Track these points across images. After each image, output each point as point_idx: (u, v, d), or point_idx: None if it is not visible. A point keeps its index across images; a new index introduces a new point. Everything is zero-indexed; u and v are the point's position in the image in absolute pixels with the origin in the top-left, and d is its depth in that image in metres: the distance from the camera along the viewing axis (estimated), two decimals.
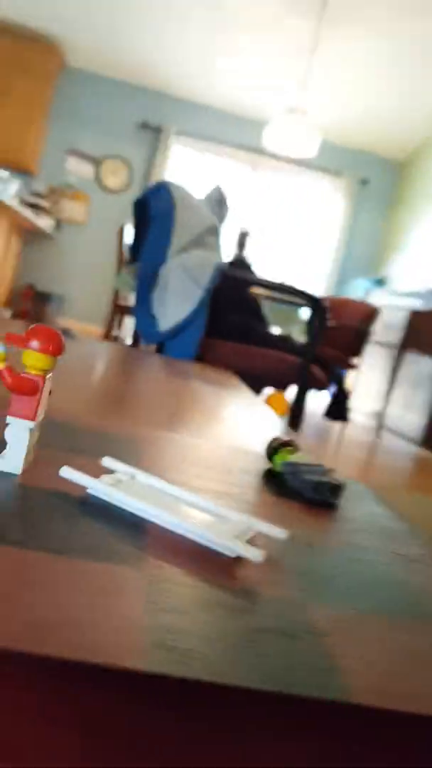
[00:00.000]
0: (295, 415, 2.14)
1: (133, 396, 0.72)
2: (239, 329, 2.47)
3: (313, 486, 0.42)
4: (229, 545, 0.28)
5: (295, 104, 4.92)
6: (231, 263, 2.77)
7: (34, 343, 0.31)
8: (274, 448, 0.48)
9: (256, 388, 3.42)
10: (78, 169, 5.24)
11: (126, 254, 3.36)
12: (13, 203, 3.79)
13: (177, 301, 2.21)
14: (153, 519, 0.30)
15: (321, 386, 2.49)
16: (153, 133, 5.29)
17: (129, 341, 2.72)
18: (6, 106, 4.78)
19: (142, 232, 2.35)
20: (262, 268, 5.54)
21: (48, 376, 0.32)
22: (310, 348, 2.17)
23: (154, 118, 5.29)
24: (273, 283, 2.19)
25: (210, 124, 5.37)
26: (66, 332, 1.31)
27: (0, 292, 4.97)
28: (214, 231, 2.35)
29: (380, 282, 5.12)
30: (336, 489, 0.43)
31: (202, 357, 2.25)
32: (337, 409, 3.48)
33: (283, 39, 4.03)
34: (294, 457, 0.46)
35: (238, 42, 4.20)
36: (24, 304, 5.23)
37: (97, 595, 0.22)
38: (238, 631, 0.22)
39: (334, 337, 3.88)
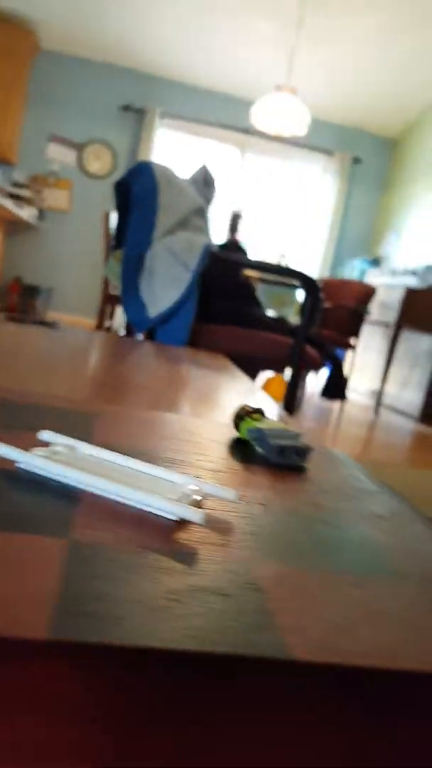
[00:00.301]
0: (291, 396, 2.12)
1: (114, 379, 0.70)
2: (232, 313, 2.45)
3: (278, 450, 0.41)
4: (168, 507, 0.26)
5: (284, 82, 4.84)
6: (223, 246, 2.73)
7: None
8: (240, 416, 0.46)
9: (252, 372, 3.41)
10: (60, 156, 5.18)
11: (112, 241, 3.32)
12: None
13: (165, 286, 2.18)
14: (86, 488, 0.28)
15: (316, 366, 2.47)
16: (136, 116, 5.22)
17: (122, 332, 2.70)
18: None
19: (126, 216, 2.32)
20: (256, 251, 5.49)
21: None
22: (304, 328, 2.15)
23: (137, 100, 5.22)
24: (265, 265, 2.16)
25: (196, 105, 5.29)
26: (51, 324, 1.29)
27: None
28: (201, 212, 2.32)
29: (376, 262, 5.07)
30: (302, 452, 0.42)
31: (195, 343, 2.23)
32: (334, 388, 3.45)
33: (269, 14, 3.95)
34: (260, 424, 0.44)
35: (222, 18, 4.12)
36: (11, 298, 5.18)
37: (4, 566, 0.20)
38: (167, 592, 0.21)
39: (330, 318, 3.86)
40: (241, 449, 0.44)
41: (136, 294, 2.24)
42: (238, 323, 2.41)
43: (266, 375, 3.59)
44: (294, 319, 3.80)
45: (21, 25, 4.67)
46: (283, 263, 5.29)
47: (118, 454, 0.32)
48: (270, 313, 3.75)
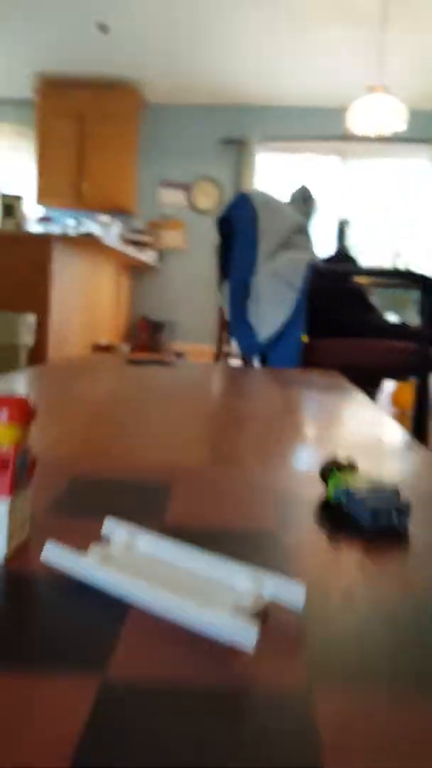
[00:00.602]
0: (419, 410, 1.97)
1: (214, 424, 0.68)
2: (346, 323, 2.36)
3: (371, 513, 0.36)
4: (219, 628, 0.23)
5: (374, 80, 4.67)
6: (332, 257, 2.66)
7: None
8: (328, 472, 0.41)
9: (374, 384, 3.24)
10: (171, 199, 5.42)
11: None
12: (117, 245, 3.98)
13: (272, 307, 2.16)
14: (136, 600, 0.25)
15: None
16: (236, 147, 5.32)
17: (239, 359, 2.71)
18: (98, 154, 5.08)
19: (229, 249, 2.34)
20: (368, 256, 5.29)
21: (24, 448, 0.30)
22: (425, 330, 2.00)
23: (235, 132, 5.33)
24: (372, 270, 2.07)
25: (292, 124, 5.28)
26: (167, 362, 1.31)
27: (119, 329, 5.24)
28: (302, 229, 2.28)
29: None
30: (403, 512, 0.36)
31: (310, 360, 2.18)
32: None
33: (350, 17, 3.85)
34: (349, 480, 0.39)
35: (304, 33, 4.09)
36: (141, 336, 5.47)
37: (22, 724, 0.18)
38: (203, 753, 0.17)
39: None
40: (330, 512, 0.40)
41: (244, 320, 2.24)
42: (354, 333, 2.31)
43: (389, 385, 3.40)
44: (416, 319, 3.58)
45: (127, 87, 5.02)
46: (400, 263, 5.04)
47: (179, 545, 0.29)
48: (390, 317, 3.57)
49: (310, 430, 0.67)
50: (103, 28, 4.05)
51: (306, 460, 0.54)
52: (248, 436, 0.62)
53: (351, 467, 0.41)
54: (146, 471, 0.47)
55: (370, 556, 0.33)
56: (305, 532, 0.36)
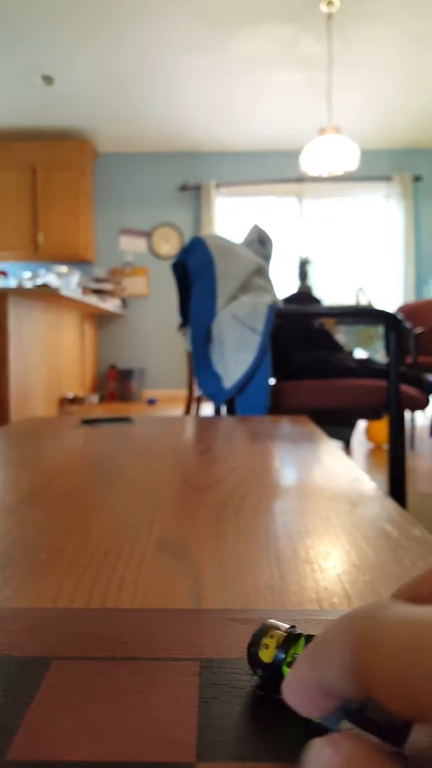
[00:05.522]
0: (394, 450, 1.87)
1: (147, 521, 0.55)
2: (312, 364, 2.28)
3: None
4: None
5: (326, 123, 4.78)
6: (294, 296, 2.60)
7: None
8: (255, 647, 0.24)
9: (349, 423, 3.16)
10: (131, 246, 5.39)
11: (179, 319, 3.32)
12: (77, 294, 3.88)
13: (236, 353, 2.07)
14: None
15: (419, 406, 2.21)
16: (194, 193, 5.36)
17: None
18: (52, 205, 5.04)
19: (187, 294, 2.26)
20: (332, 293, 5.31)
21: None
22: (392, 368, 1.92)
23: (192, 178, 5.37)
24: (335, 309, 2.00)
25: (247, 168, 5.35)
26: (125, 419, 1.18)
27: (87, 379, 5.11)
28: (260, 272, 2.22)
29: None
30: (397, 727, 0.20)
31: (279, 403, 2.07)
32: None
33: (298, 63, 3.94)
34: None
35: (253, 79, 4.17)
36: (110, 384, 5.33)
37: None
38: None
39: (425, 344, 3.57)
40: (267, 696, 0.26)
41: (209, 367, 2.14)
42: (321, 373, 2.23)
43: (363, 424, 3.32)
44: (383, 354, 3.54)
45: (78, 137, 5.03)
46: (363, 297, 5.06)
47: None
48: (358, 353, 3.52)
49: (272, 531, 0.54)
50: (47, 80, 4.07)
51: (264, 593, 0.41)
52: (190, 540, 0.49)
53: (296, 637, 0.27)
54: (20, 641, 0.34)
55: None
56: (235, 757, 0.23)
